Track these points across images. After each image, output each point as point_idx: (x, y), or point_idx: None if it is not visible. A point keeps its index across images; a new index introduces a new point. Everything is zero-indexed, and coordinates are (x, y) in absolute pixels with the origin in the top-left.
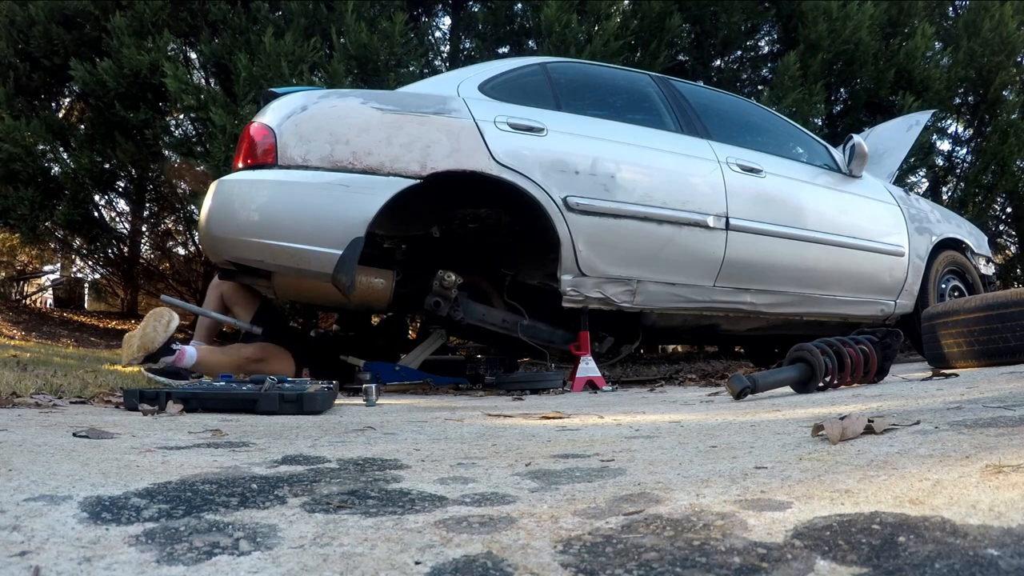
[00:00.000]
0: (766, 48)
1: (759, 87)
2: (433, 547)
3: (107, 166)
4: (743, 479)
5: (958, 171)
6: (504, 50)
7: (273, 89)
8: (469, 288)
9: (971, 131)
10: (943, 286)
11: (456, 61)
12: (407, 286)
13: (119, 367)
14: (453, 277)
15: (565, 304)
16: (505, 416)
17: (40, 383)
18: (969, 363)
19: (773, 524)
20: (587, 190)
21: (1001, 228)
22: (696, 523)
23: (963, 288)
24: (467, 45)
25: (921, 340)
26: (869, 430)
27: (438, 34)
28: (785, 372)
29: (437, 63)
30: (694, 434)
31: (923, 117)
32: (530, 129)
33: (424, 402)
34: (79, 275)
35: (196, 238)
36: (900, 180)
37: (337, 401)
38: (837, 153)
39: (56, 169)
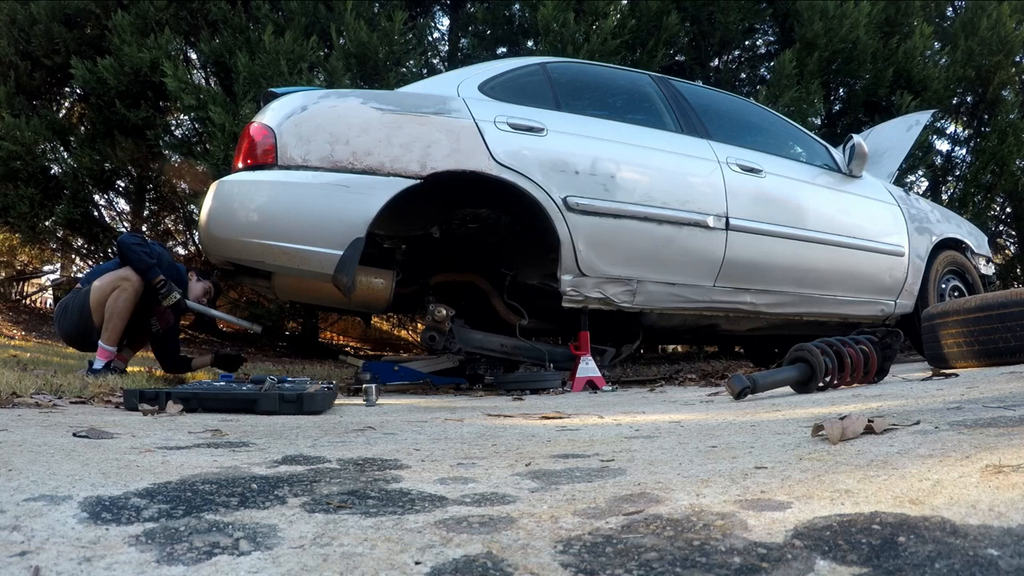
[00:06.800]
0: (763, 48)
1: (757, 86)
2: (433, 547)
3: (107, 165)
4: (743, 479)
5: (957, 171)
6: (502, 49)
7: (273, 89)
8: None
9: (970, 131)
10: (943, 286)
11: (454, 60)
12: (407, 286)
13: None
14: (444, 311)
15: (565, 304)
16: (505, 416)
17: (40, 383)
18: (969, 363)
19: (773, 524)
20: (587, 190)
21: (1001, 228)
22: (696, 523)
23: (963, 288)
24: (465, 44)
25: (921, 340)
26: (869, 430)
27: (436, 34)
28: (785, 372)
29: (435, 62)
30: (694, 434)
31: (923, 117)
32: (530, 129)
33: (424, 402)
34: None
35: (196, 238)
36: (900, 180)
37: (337, 401)
38: (837, 153)
39: (56, 168)
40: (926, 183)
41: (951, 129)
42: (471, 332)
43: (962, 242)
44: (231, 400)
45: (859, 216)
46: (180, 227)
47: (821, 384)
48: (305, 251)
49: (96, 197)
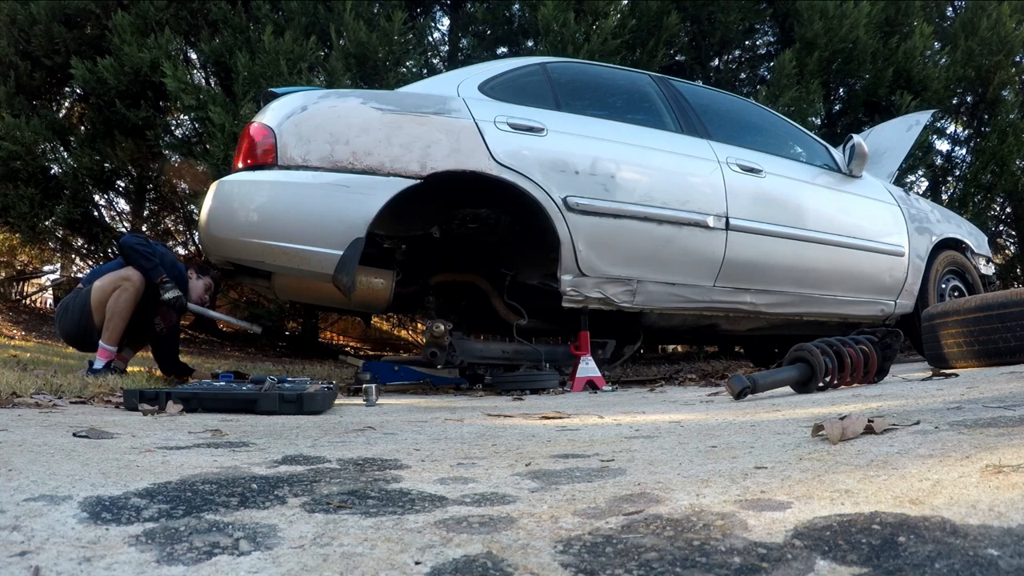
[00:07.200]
0: (763, 48)
1: (757, 86)
2: (433, 547)
3: (107, 165)
4: (743, 479)
5: (957, 171)
6: (502, 49)
7: (273, 89)
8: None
9: (970, 131)
10: (943, 286)
11: (454, 60)
12: (407, 286)
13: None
14: (442, 326)
15: (565, 304)
16: (505, 416)
17: (40, 383)
18: (969, 363)
19: (773, 524)
20: (587, 190)
21: (1001, 228)
22: (696, 523)
23: (963, 288)
24: (465, 44)
25: (921, 340)
26: (869, 430)
27: (436, 34)
28: (785, 372)
29: (435, 62)
30: (694, 434)
31: (923, 117)
32: (530, 129)
33: (424, 402)
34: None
35: (196, 238)
36: (900, 180)
37: (337, 401)
38: (837, 153)
39: (56, 168)
40: (926, 183)
41: (951, 129)
42: (471, 343)
43: (962, 242)
44: (231, 400)
45: (859, 216)
46: (180, 227)
47: (821, 384)
48: (305, 251)
49: (96, 197)
